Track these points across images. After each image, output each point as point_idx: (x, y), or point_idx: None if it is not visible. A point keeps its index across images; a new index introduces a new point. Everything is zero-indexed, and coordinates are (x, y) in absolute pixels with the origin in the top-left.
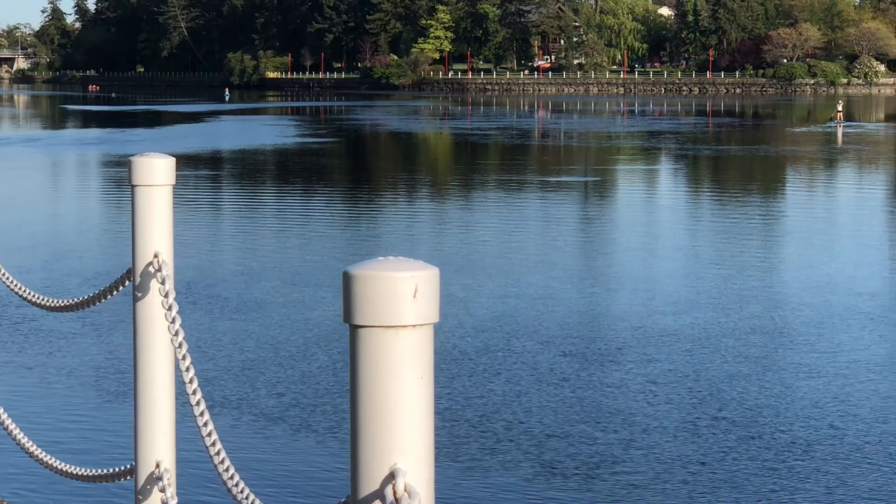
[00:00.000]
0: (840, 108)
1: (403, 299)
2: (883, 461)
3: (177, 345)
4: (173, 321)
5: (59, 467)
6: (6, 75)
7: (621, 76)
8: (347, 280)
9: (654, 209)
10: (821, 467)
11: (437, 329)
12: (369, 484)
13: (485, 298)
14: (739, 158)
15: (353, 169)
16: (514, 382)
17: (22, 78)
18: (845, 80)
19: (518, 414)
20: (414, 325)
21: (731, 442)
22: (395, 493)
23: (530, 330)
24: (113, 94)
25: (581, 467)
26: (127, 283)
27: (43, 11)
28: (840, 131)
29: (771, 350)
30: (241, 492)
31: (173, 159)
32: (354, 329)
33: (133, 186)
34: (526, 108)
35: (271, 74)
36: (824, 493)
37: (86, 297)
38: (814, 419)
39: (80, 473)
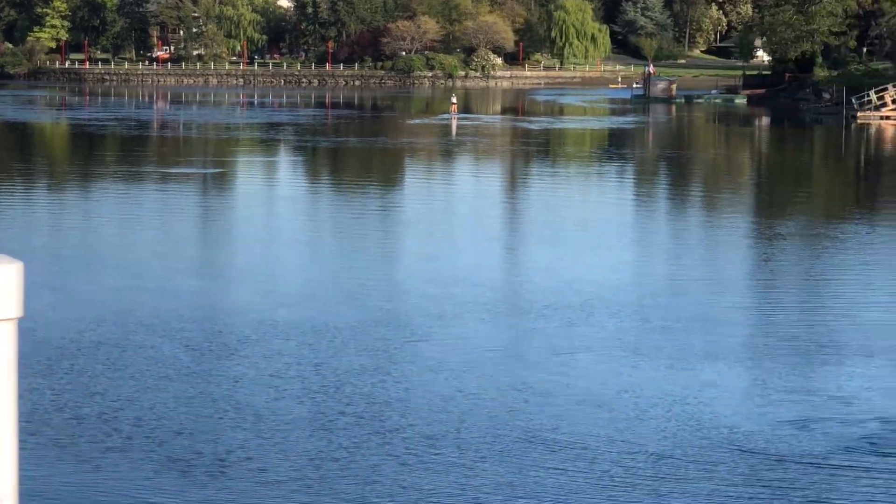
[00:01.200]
0: (454, 101)
1: None
2: (508, 453)
3: None
4: None
5: None
6: None
7: (241, 67)
8: None
9: (273, 201)
10: (453, 461)
11: (55, 324)
12: None
13: (105, 291)
14: (359, 150)
15: None
16: (137, 378)
17: None
18: (463, 73)
19: (143, 410)
20: None
21: (361, 436)
22: None
23: (151, 323)
24: None
25: (211, 463)
26: None
27: None
28: (455, 123)
29: (395, 342)
30: None
31: None
32: None
33: None
34: (145, 98)
35: None
36: (455, 486)
37: None
38: (441, 412)
39: None
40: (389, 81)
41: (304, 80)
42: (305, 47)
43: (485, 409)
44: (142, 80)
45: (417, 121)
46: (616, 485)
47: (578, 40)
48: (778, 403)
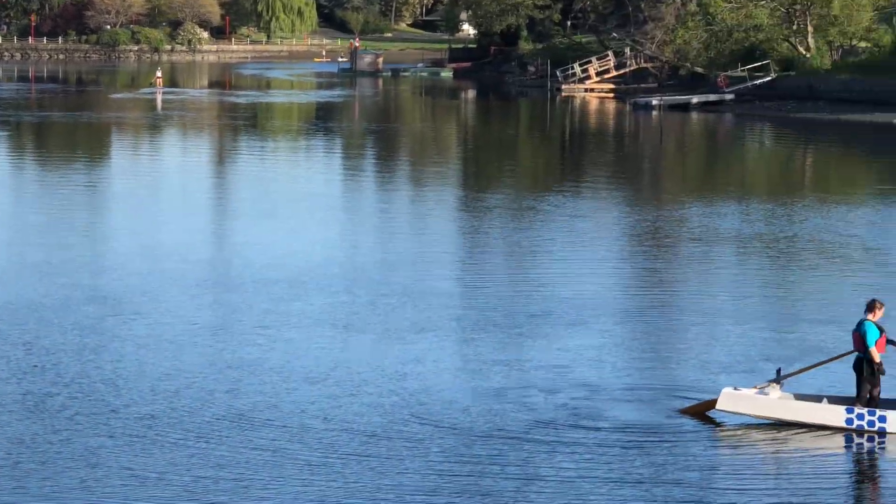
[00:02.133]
0: (159, 75)
1: None
2: (223, 432)
3: None
4: None
5: None
6: None
7: None
8: None
9: None
10: (171, 441)
11: None
12: None
13: None
14: (62, 125)
15: None
16: None
17: None
18: (169, 47)
19: None
20: None
21: (77, 418)
22: None
23: None
24: None
25: None
26: None
27: None
28: (160, 97)
29: (106, 320)
30: None
31: None
32: None
33: None
34: None
35: None
36: (173, 466)
37: None
38: (157, 391)
39: None
40: (94, 55)
41: (6, 53)
42: (7, 20)
43: (200, 388)
44: None
45: (121, 95)
46: (331, 463)
47: (285, 14)
48: (489, 377)
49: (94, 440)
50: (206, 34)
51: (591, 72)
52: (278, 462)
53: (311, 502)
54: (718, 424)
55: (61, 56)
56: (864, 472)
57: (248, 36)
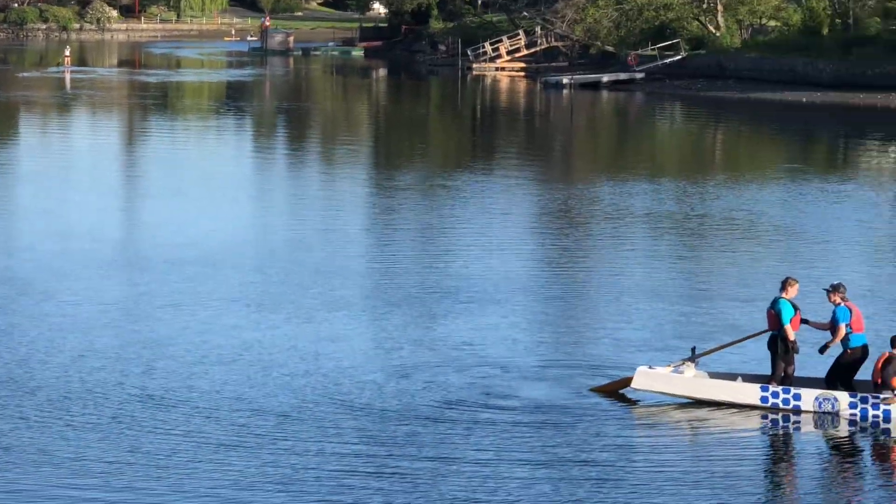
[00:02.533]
0: (68, 54)
1: None
2: (138, 415)
3: None
4: None
5: None
6: None
7: None
8: None
9: None
10: (87, 423)
11: None
12: None
13: None
14: None
15: None
16: None
17: None
18: (78, 26)
19: None
20: None
21: None
22: None
23: None
24: None
25: None
26: None
27: None
28: (69, 76)
29: (15, 301)
30: None
31: None
32: None
33: None
34: None
35: None
36: (88, 450)
37: None
38: (70, 373)
39: None
40: (2, 34)
41: None
42: None
43: (113, 369)
44: None
45: (29, 74)
46: (245, 445)
47: None
48: (402, 356)
49: (6, 423)
50: (115, 13)
51: (502, 51)
52: (192, 444)
53: (225, 484)
54: (634, 403)
55: None
56: (779, 449)
57: (157, 15)
